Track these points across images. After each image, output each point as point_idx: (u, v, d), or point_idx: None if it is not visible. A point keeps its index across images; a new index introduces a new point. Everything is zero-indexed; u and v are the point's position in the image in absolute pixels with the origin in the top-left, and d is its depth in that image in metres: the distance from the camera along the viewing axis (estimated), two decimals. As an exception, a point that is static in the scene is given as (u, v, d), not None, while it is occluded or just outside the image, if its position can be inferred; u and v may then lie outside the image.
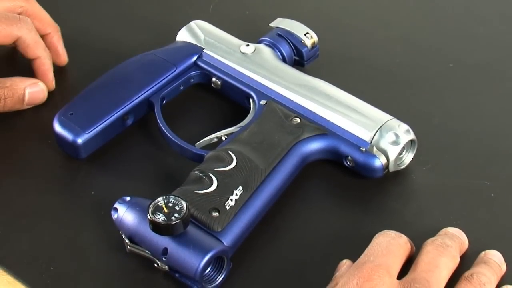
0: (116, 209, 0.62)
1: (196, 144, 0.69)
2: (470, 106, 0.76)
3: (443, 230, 0.62)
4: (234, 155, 0.64)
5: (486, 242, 0.64)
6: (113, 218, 0.62)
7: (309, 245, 0.64)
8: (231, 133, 0.68)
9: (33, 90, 0.74)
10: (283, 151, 0.66)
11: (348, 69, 0.79)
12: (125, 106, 0.70)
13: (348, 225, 0.66)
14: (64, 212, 0.67)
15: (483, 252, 0.61)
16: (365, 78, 0.78)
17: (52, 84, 0.76)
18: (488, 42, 0.83)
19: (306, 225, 0.66)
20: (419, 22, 0.85)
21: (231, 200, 0.62)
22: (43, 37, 0.77)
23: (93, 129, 0.69)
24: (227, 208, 0.61)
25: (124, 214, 0.61)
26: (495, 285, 0.59)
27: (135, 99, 0.71)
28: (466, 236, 0.63)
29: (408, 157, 0.68)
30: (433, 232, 0.64)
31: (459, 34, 0.84)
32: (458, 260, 0.60)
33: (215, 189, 0.62)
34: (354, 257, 0.60)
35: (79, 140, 0.68)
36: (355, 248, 0.62)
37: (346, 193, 0.68)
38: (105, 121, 0.69)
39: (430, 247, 0.59)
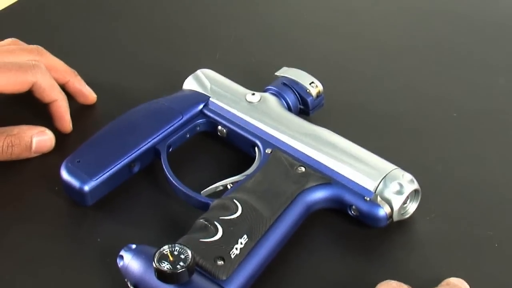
0: (122, 257, 0.62)
1: (201, 192, 0.69)
2: (474, 155, 0.76)
3: (446, 281, 0.62)
4: (239, 203, 0.65)
5: (490, 292, 0.64)
6: (119, 266, 0.62)
7: (314, 293, 0.65)
8: (237, 181, 0.69)
9: (40, 138, 0.74)
10: (287, 200, 0.66)
11: (353, 117, 0.80)
12: (132, 154, 0.71)
13: (352, 274, 0.66)
14: (70, 259, 0.67)
15: None
16: (370, 126, 0.79)
17: (69, 126, 0.77)
18: (491, 91, 0.84)
19: (310, 274, 0.66)
20: (423, 71, 0.86)
21: (236, 248, 0.62)
22: (64, 85, 0.78)
23: (100, 177, 0.69)
24: (232, 256, 0.62)
25: (129, 261, 0.61)
26: None
27: (142, 147, 0.71)
28: (470, 286, 0.63)
29: (412, 207, 0.68)
30: (437, 282, 0.64)
31: (463, 83, 0.85)
32: None
33: (220, 238, 0.62)
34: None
35: (86, 188, 0.69)
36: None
37: (350, 242, 0.68)
38: (111, 169, 0.70)
39: None
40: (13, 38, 0.80)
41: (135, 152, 0.71)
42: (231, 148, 0.75)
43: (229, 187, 0.69)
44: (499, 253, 0.67)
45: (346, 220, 0.69)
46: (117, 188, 0.71)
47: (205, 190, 0.70)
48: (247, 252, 0.62)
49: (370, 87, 0.84)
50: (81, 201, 0.70)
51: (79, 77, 0.80)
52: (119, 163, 0.70)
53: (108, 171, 0.70)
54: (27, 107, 0.79)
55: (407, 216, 0.68)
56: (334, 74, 0.84)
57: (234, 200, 0.65)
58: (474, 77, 0.86)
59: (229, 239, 0.62)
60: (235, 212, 0.64)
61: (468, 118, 0.80)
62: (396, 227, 0.68)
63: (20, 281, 0.65)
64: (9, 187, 0.73)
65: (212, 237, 0.62)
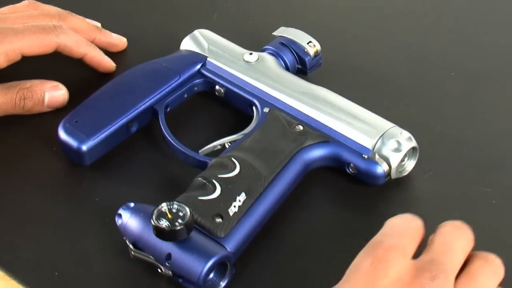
0: (120, 215, 0.62)
1: (199, 151, 0.70)
2: (471, 114, 0.76)
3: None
4: (238, 162, 0.65)
5: (487, 248, 0.64)
6: (118, 224, 0.62)
7: (312, 251, 0.65)
8: (235, 141, 0.69)
9: (53, 93, 0.74)
10: (286, 158, 0.66)
11: (351, 77, 0.80)
12: (130, 114, 0.71)
13: (349, 231, 0.66)
14: (68, 219, 0.67)
15: None
16: (367, 86, 0.79)
17: (112, 66, 0.79)
18: (489, 51, 0.83)
19: (308, 232, 0.66)
20: (421, 31, 0.86)
21: (234, 206, 0.62)
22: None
23: (98, 136, 0.69)
24: (230, 214, 0.62)
25: (128, 220, 0.62)
26: None
27: (140, 107, 0.71)
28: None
29: (410, 164, 0.68)
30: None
31: (460, 43, 0.84)
32: (473, 243, 0.58)
33: (218, 196, 0.63)
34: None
35: (84, 147, 0.69)
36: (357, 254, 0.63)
37: (348, 200, 0.68)
38: (109, 128, 0.70)
39: (448, 228, 0.57)
40: (29, 0, 0.80)
41: (133, 112, 0.71)
42: (229, 108, 0.75)
43: (227, 146, 0.69)
44: (496, 210, 0.68)
45: (344, 178, 0.69)
46: (115, 148, 0.71)
47: (203, 149, 0.70)
48: (245, 210, 0.63)
49: (368, 48, 0.84)
50: (79, 161, 0.70)
51: (103, 30, 0.81)
52: (117, 123, 0.70)
53: (106, 131, 0.70)
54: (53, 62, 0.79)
55: (405, 173, 0.68)
56: (332, 35, 0.84)
57: (232, 159, 0.65)
58: (472, 36, 0.85)
59: (227, 197, 0.63)
60: (233, 170, 0.64)
61: (466, 78, 0.80)
62: (394, 185, 0.68)
63: (19, 241, 0.66)
64: (6, 147, 0.73)
65: (210, 195, 0.63)
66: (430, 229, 0.65)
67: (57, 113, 0.74)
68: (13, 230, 0.67)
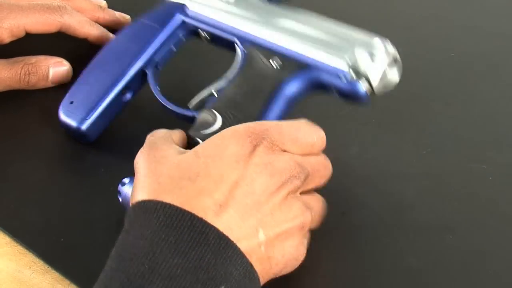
0: (119, 192, 0.64)
1: (188, 103, 0.69)
2: (470, 94, 0.77)
3: None
4: (219, 113, 0.64)
5: (483, 222, 0.65)
6: (120, 201, 0.64)
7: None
8: (221, 88, 0.68)
9: (57, 69, 0.77)
10: (267, 97, 0.65)
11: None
12: (120, 82, 0.71)
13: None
14: (73, 189, 0.69)
15: None
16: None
17: None
18: (488, 33, 0.84)
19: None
20: (421, 12, 0.87)
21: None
22: (95, 22, 0.80)
23: (94, 113, 0.70)
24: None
25: (126, 194, 0.63)
26: None
27: (127, 72, 0.71)
28: (468, 215, 0.66)
29: (394, 77, 0.65)
30: (432, 213, 0.66)
31: (461, 24, 0.85)
32: None
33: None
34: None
35: (83, 127, 0.70)
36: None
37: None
38: (103, 102, 0.71)
39: None
40: None
41: (123, 79, 0.71)
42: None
43: (215, 94, 0.68)
44: (492, 186, 0.68)
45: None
46: (120, 120, 0.72)
47: (191, 101, 0.69)
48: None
49: (369, 29, 0.80)
50: (83, 140, 0.71)
51: (107, 9, 0.82)
52: (109, 94, 0.71)
53: (100, 106, 0.71)
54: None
55: (391, 88, 0.65)
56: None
57: (213, 111, 0.65)
58: (472, 18, 0.86)
59: None
60: (215, 124, 0.64)
61: (465, 59, 0.81)
62: (393, 160, 0.70)
63: (25, 209, 0.68)
64: (12, 121, 0.75)
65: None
66: (427, 203, 0.67)
67: (62, 89, 0.75)
68: (20, 198, 0.69)
